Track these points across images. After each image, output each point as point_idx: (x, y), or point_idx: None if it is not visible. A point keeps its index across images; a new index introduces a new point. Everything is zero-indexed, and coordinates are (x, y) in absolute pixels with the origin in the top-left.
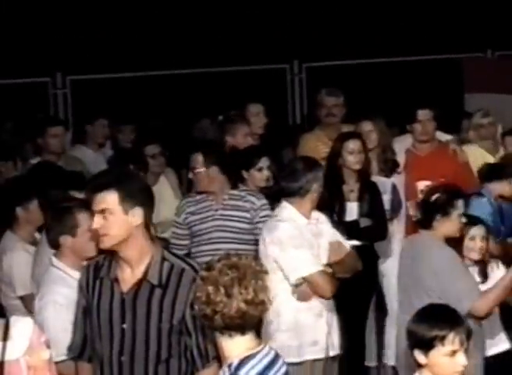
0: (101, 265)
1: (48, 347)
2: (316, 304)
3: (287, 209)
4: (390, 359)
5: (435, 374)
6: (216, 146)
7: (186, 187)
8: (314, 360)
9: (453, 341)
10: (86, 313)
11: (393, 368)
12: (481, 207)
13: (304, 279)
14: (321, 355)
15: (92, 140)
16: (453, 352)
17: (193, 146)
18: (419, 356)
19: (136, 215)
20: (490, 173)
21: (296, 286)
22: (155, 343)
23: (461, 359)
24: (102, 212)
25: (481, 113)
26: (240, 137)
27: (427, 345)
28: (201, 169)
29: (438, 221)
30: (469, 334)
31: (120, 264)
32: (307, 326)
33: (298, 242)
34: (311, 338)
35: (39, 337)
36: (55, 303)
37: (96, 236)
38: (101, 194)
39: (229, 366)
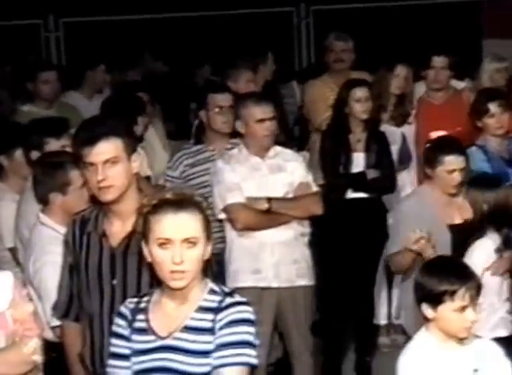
0: (88, 219)
1: (31, 299)
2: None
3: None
4: (399, 318)
5: (443, 329)
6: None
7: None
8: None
9: (463, 296)
10: (72, 271)
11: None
12: (471, 157)
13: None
14: (263, 284)
15: (89, 86)
16: (463, 308)
17: (212, 86)
18: (426, 310)
19: (136, 160)
20: None
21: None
22: None
23: (471, 315)
24: (106, 162)
25: (497, 57)
26: (242, 83)
27: (435, 299)
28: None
29: (429, 174)
30: (479, 290)
31: (109, 217)
32: (251, 255)
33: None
34: (254, 266)
35: (21, 290)
36: (53, 263)
37: (94, 189)
38: (103, 143)
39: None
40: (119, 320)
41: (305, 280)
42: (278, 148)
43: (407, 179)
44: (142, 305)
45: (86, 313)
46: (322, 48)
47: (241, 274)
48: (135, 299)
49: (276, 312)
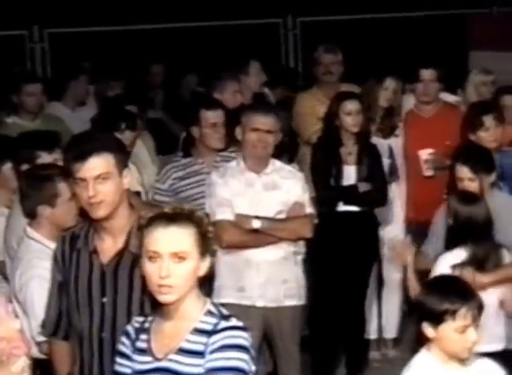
0: (78, 235)
1: (17, 316)
2: (245, 252)
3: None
4: (389, 333)
5: (444, 349)
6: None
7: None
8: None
9: (465, 316)
10: (61, 288)
11: (394, 340)
12: None
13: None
14: (247, 302)
15: (72, 97)
16: (464, 328)
17: (204, 102)
18: (427, 329)
19: (127, 176)
20: None
21: None
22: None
23: (472, 335)
24: (98, 177)
25: (484, 70)
26: (228, 95)
27: (436, 319)
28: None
29: None
30: (481, 309)
31: (100, 234)
32: (235, 272)
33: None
34: (238, 284)
35: (6, 306)
36: (39, 278)
37: (85, 205)
38: (95, 158)
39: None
40: (124, 339)
41: (294, 300)
42: (277, 164)
43: (396, 192)
44: (146, 325)
45: (75, 331)
46: (311, 60)
47: (224, 290)
48: (141, 318)
49: (263, 329)
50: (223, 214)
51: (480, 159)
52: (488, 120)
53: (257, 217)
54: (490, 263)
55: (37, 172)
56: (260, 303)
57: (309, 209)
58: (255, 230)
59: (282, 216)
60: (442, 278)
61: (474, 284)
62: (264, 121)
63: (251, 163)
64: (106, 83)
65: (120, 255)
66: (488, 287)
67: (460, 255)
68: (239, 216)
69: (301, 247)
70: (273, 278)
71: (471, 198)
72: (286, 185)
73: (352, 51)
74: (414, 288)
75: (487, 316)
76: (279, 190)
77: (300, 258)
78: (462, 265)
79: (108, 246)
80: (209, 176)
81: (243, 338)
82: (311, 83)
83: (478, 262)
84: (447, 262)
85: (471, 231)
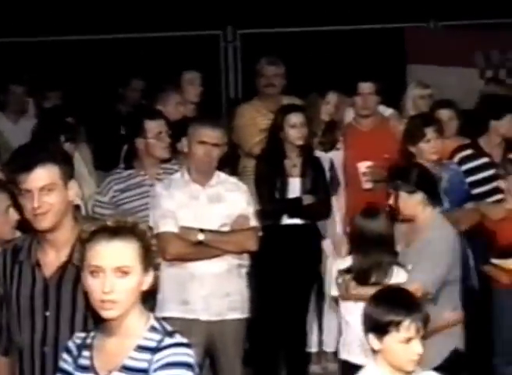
0: (20, 248)
1: None
2: (189, 265)
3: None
4: (330, 346)
5: (389, 361)
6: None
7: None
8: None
9: (408, 327)
10: (1, 302)
11: (334, 354)
12: None
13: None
14: (191, 316)
15: (11, 109)
16: (408, 339)
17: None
18: (373, 341)
19: (73, 187)
20: None
21: None
22: (81, 331)
23: (416, 347)
24: (43, 188)
25: (421, 84)
26: (171, 106)
27: (381, 330)
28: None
29: None
30: (426, 321)
31: (43, 246)
32: (179, 285)
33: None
34: (182, 297)
35: None
36: None
37: (29, 216)
38: (40, 169)
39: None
40: (65, 356)
41: (237, 313)
42: (222, 176)
43: (336, 206)
44: (88, 341)
45: (15, 346)
46: (254, 72)
47: (168, 304)
48: (83, 334)
49: (206, 343)
50: (167, 226)
51: (403, 177)
52: (430, 132)
53: (201, 230)
54: (373, 277)
55: None
56: (204, 317)
57: (253, 222)
58: (199, 243)
59: (227, 228)
60: (390, 290)
61: (346, 293)
62: (211, 134)
63: (196, 175)
64: (43, 95)
65: (64, 268)
66: (359, 299)
67: (349, 262)
68: (183, 228)
69: (245, 260)
70: (217, 291)
71: (370, 212)
72: (231, 198)
73: (292, 64)
74: None
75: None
76: (224, 202)
77: (244, 271)
78: (345, 271)
79: (52, 259)
80: (153, 188)
81: (188, 355)
82: (251, 95)
83: (361, 273)
84: (337, 267)
85: (361, 243)
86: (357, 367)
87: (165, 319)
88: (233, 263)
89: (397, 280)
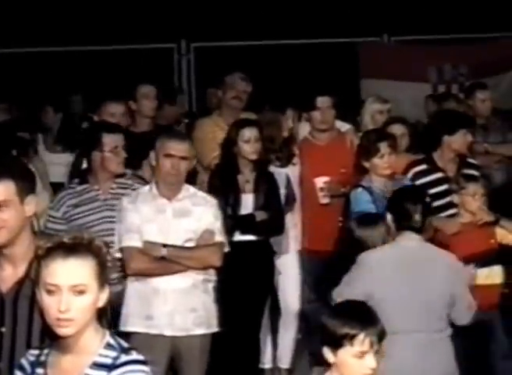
0: None
1: None
2: (153, 280)
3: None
4: (284, 362)
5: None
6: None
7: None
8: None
9: (362, 341)
10: None
11: (288, 371)
12: (357, 199)
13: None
14: (155, 331)
15: None
16: (362, 354)
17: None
18: (328, 354)
19: (30, 203)
20: None
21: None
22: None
23: (370, 362)
24: None
25: (380, 99)
26: (116, 118)
27: (336, 343)
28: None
29: None
30: (382, 336)
31: (0, 262)
32: (143, 300)
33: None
34: (146, 312)
35: None
36: None
37: None
38: None
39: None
40: (18, 373)
41: (203, 328)
42: (191, 190)
43: (290, 222)
44: (42, 358)
45: None
46: (222, 83)
47: (132, 318)
48: (36, 351)
49: (170, 358)
50: (131, 240)
51: None
52: (384, 147)
53: (164, 245)
54: None
55: None
56: (168, 332)
57: (219, 237)
58: (162, 258)
59: (192, 243)
60: (349, 303)
61: None
62: (178, 147)
63: (164, 189)
64: None
65: (20, 283)
66: None
67: None
68: (147, 243)
69: (212, 275)
70: (181, 306)
71: (369, 220)
72: (198, 212)
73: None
74: None
75: None
76: (190, 217)
77: (211, 286)
78: None
79: (9, 274)
80: (120, 202)
81: (144, 372)
82: (204, 107)
83: None
84: None
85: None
86: None
87: (129, 333)
88: (199, 279)
89: None
